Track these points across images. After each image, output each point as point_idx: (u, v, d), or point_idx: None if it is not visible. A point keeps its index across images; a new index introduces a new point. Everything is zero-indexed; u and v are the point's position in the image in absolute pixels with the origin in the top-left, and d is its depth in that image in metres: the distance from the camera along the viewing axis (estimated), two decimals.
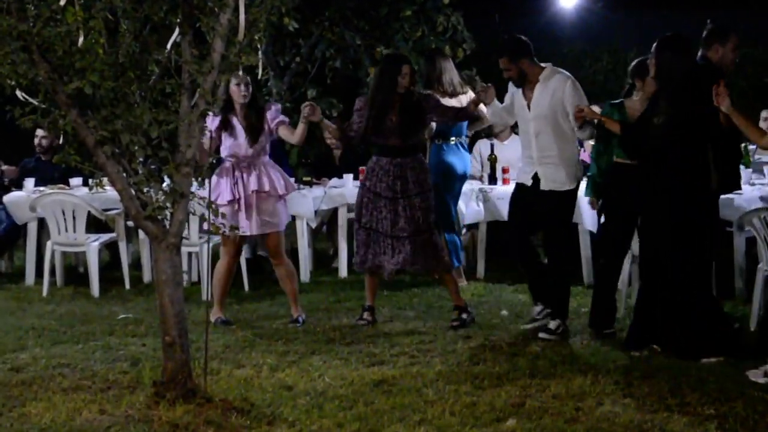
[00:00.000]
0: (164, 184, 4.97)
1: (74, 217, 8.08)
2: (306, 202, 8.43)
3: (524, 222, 6.53)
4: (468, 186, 8.50)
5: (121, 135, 4.79)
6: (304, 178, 9.09)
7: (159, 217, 4.92)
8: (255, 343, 6.25)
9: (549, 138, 6.37)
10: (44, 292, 8.03)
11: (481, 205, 8.43)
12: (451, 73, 7.99)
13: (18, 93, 4.88)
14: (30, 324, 6.85)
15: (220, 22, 4.74)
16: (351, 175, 8.87)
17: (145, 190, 4.90)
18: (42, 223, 8.49)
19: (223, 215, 6.18)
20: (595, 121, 6.27)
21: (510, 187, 8.33)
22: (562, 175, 6.37)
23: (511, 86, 6.65)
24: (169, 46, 5.06)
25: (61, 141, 5.29)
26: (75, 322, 6.92)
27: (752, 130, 5.65)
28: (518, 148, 8.72)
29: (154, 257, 5.05)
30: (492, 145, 9.05)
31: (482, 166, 9.02)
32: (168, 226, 4.95)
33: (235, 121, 6.79)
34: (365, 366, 5.66)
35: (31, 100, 4.84)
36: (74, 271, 9.14)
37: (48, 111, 4.83)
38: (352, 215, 9.11)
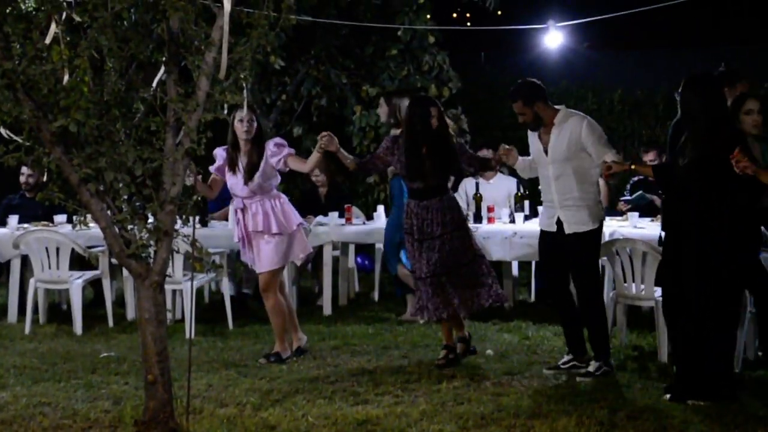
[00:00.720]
0: (148, 222, 4.98)
1: (58, 255, 8.05)
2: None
3: (557, 268, 6.48)
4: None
5: (105, 173, 4.80)
6: None
7: (142, 255, 4.92)
8: (238, 382, 6.22)
9: (569, 180, 6.34)
10: (26, 330, 7.98)
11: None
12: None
13: (2, 130, 4.90)
14: (11, 362, 6.81)
15: (205, 61, 4.78)
16: (336, 213, 8.90)
17: (128, 228, 4.90)
18: (25, 261, 8.46)
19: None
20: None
21: (495, 227, 8.42)
22: (585, 216, 6.33)
23: (530, 134, 6.61)
24: (154, 84, 5.09)
25: (45, 179, 5.31)
26: (57, 360, 6.88)
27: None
28: (503, 186, 8.77)
29: (137, 295, 5.04)
30: (477, 184, 9.09)
31: (468, 205, 9.06)
32: (151, 264, 4.95)
33: (240, 159, 6.83)
34: (349, 405, 5.64)
35: (15, 137, 4.85)
36: (57, 308, 9.10)
37: (32, 149, 4.84)
38: (337, 253, 9.19)
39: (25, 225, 8.60)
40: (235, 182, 6.84)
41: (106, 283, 8.33)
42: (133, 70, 5.03)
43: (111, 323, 8.21)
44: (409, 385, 6.10)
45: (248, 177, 6.78)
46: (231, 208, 6.87)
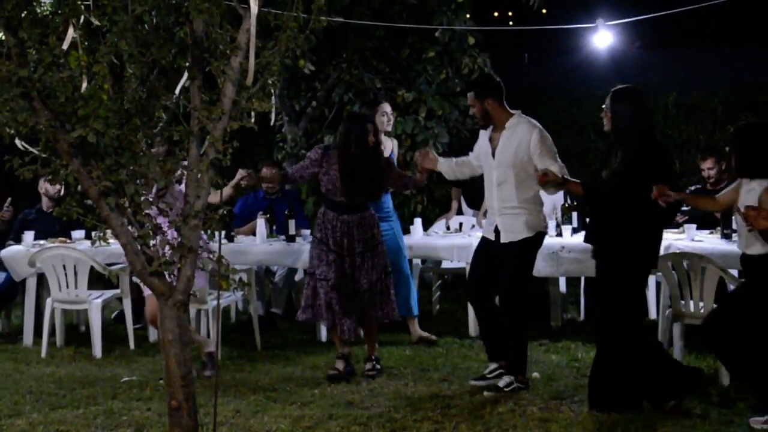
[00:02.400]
0: (170, 238, 4.99)
1: (76, 273, 8.12)
2: None
3: (486, 277, 6.73)
4: None
5: (125, 185, 4.82)
6: None
7: (165, 273, 4.94)
8: (267, 408, 6.23)
9: (511, 188, 6.59)
10: (43, 353, 8.05)
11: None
12: None
13: (17, 142, 4.94)
14: (27, 387, 6.87)
15: (231, 66, 4.79)
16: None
17: (150, 243, 4.92)
18: (41, 279, 8.54)
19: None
20: None
21: None
22: (521, 223, 6.56)
23: (481, 135, 6.85)
24: (177, 91, 5.12)
25: (62, 192, 5.34)
26: (75, 385, 6.94)
27: (706, 203, 6.36)
28: (549, 197, 8.74)
29: (160, 315, 5.06)
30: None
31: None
32: (175, 283, 4.96)
33: None
34: None
35: (31, 149, 4.88)
36: (75, 330, 9.17)
37: (49, 161, 4.87)
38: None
39: (41, 241, 8.68)
40: None
41: (127, 303, 8.39)
42: (155, 77, 5.05)
43: (132, 345, 8.27)
44: (450, 411, 6.08)
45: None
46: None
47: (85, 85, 4.63)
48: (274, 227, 8.96)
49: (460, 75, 11.15)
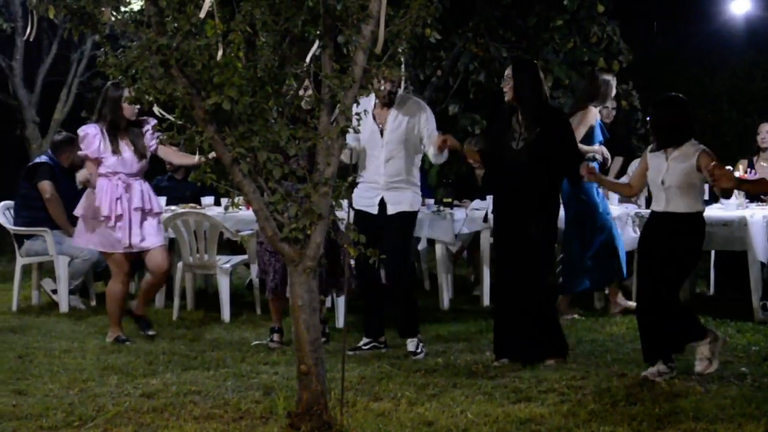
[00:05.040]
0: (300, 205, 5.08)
1: (206, 238, 8.32)
2: (446, 225, 8.46)
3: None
4: (622, 209, 8.41)
5: (258, 152, 4.92)
6: (445, 200, 9.12)
7: (296, 239, 5.03)
8: (392, 375, 6.31)
9: (400, 163, 6.88)
10: (174, 316, 8.30)
11: (637, 230, 8.27)
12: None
13: (155, 109, 5.10)
14: (160, 349, 7.10)
15: (362, 34, 4.84)
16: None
17: (281, 210, 5.02)
18: (172, 245, 8.79)
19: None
20: None
21: None
22: (409, 196, 6.91)
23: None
24: (308, 59, 5.20)
25: (197, 159, 5.48)
26: (205, 348, 7.14)
27: (620, 189, 7.03)
28: None
29: (289, 281, 5.17)
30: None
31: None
32: (305, 249, 5.05)
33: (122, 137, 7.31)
34: (511, 402, 5.64)
35: (167, 116, 5.03)
36: (204, 294, 9.42)
37: (184, 127, 5.02)
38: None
39: (173, 207, 8.93)
40: (117, 161, 7.27)
41: (254, 269, 8.57)
42: (287, 45, 5.14)
43: (258, 311, 8.45)
44: (575, 383, 6.06)
45: (141, 156, 7.35)
46: (109, 185, 7.29)
47: (220, 53, 4.75)
48: None
49: (588, 44, 11.00)
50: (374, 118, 6.90)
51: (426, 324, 7.84)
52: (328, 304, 7.83)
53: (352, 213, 6.64)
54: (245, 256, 8.58)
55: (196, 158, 5.71)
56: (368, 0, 4.84)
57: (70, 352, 6.99)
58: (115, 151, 7.26)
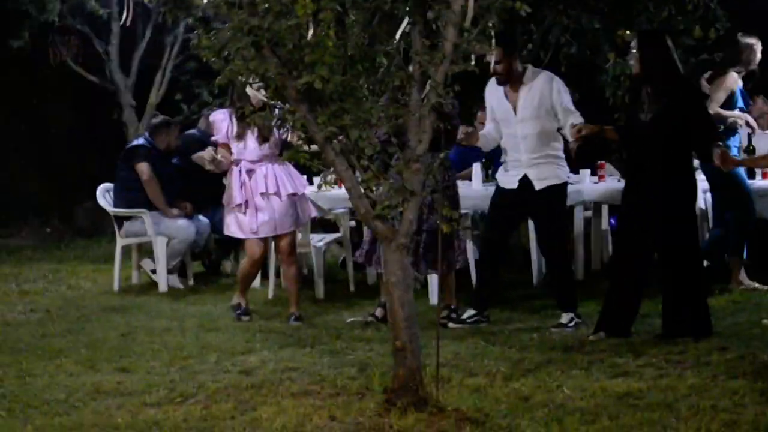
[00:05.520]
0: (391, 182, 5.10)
1: None
2: None
3: (508, 227, 7.26)
4: None
5: (349, 131, 4.95)
6: None
7: (389, 217, 5.05)
8: (486, 351, 6.30)
9: (538, 139, 6.90)
10: (270, 294, 8.41)
11: None
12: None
13: (248, 90, 5.17)
14: (257, 326, 7.21)
15: (452, 9, 4.82)
16: (588, 171, 8.79)
17: (374, 188, 5.05)
18: None
19: None
20: None
21: None
22: (554, 170, 6.96)
23: (490, 97, 7.08)
24: (398, 36, 5.20)
25: (288, 138, 5.54)
26: (301, 325, 7.22)
27: (761, 161, 7.22)
28: None
29: (383, 258, 5.19)
30: (749, 135, 8.70)
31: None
32: (398, 226, 5.07)
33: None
34: (608, 377, 5.60)
35: (260, 96, 5.09)
36: (298, 272, 9.50)
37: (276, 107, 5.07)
38: (589, 214, 9.10)
39: None
40: (242, 147, 7.29)
41: (348, 247, 8.63)
42: (377, 22, 5.15)
43: (352, 288, 8.52)
44: (673, 357, 5.98)
45: (263, 139, 7.27)
46: (235, 171, 7.39)
47: (311, 32, 4.77)
48: (490, 171, 8.97)
49: (683, 12, 10.74)
50: (506, 96, 6.94)
51: (519, 299, 7.81)
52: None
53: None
54: (338, 234, 8.64)
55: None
56: None
57: (170, 331, 7.14)
58: (240, 137, 7.33)
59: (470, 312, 7.14)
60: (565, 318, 6.94)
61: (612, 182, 8.87)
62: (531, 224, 8.49)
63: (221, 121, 7.37)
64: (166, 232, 8.78)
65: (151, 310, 7.97)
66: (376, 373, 5.59)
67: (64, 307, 8.19)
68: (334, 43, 4.86)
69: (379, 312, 7.20)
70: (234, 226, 7.45)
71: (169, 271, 8.91)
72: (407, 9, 5.07)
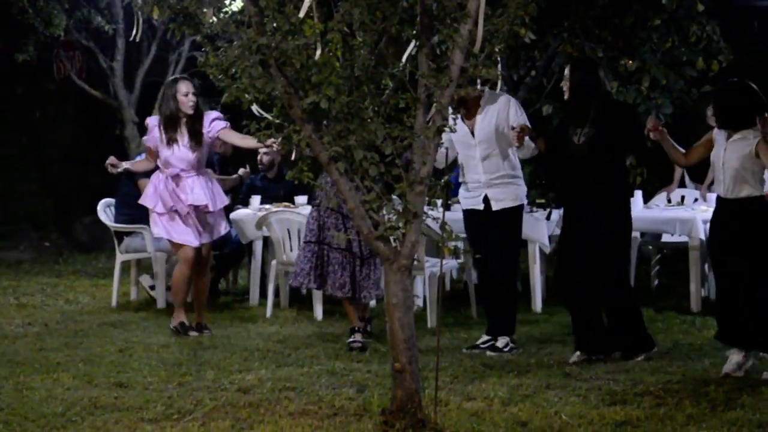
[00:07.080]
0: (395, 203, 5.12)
1: (299, 237, 8.40)
2: (539, 226, 8.40)
3: (485, 247, 7.08)
4: None
5: (354, 151, 4.97)
6: (538, 200, 9.06)
7: (391, 238, 5.06)
8: (485, 374, 6.30)
9: (497, 160, 6.99)
10: (268, 313, 8.40)
11: None
12: None
13: (254, 108, 5.19)
14: (255, 345, 7.20)
15: (460, 33, 4.85)
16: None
17: (377, 209, 5.06)
18: (267, 243, 8.90)
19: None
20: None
21: None
22: (513, 190, 7.03)
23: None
24: (404, 59, 5.23)
25: (293, 157, 5.55)
26: (299, 345, 7.22)
27: (676, 155, 6.63)
28: None
29: (384, 279, 5.20)
30: None
31: None
32: (400, 248, 5.08)
33: (179, 131, 7.49)
34: (605, 405, 5.59)
35: (266, 115, 5.11)
36: (297, 292, 9.50)
37: (282, 126, 5.09)
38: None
39: (267, 206, 9.04)
40: (170, 154, 7.49)
41: None
42: (383, 45, 5.18)
43: None
44: (672, 386, 5.98)
45: (196, 146, 7.48)
46: (161, 177, 7.56)
47: (318, 52, 4.80)
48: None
49: (686, 43, 10.80)
50: (463, 119, 6.95)
51: (519, 325, 7.80)
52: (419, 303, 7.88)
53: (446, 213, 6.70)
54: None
55: (255, 141, 5.76)
56: None
57: (168, 347, 7.14)
58: (170, 144, 7.51)
59: (484, 338, 7.12)
60: (501, 342, 6.99)
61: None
62: (530, 248, 8.52)
63: (153, 126, 7.59)
64: (165, 248, 8.77)
65: (149, 326, 7.97)
66: (374, 394, 5.60)
67: (61, 322, 8.20)
68: (341, 63, 4.89)
69: (358, 326, 7.25)
70: (162, 230, 7.63)
71: (168, 288, 8.90)
72: (414, 32, 5.10)
